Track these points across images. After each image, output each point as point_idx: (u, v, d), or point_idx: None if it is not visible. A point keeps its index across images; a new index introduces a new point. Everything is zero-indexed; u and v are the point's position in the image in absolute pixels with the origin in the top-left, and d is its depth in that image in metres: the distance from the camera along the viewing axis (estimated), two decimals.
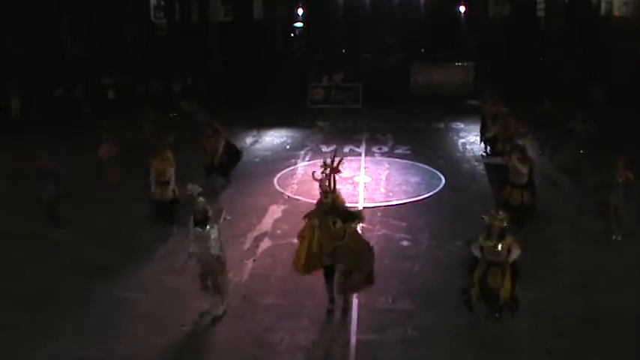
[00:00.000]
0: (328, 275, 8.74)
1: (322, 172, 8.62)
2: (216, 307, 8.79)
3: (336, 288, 8.73)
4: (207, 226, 8.44)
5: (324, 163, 8.67)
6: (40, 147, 13.33)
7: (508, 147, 13.32)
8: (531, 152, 16.15)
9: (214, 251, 8.47)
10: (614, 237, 11.15)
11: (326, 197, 8.49)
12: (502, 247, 8.19)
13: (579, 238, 11.34)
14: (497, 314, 8.50)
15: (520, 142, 12.63)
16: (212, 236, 8.44)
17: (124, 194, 13.36)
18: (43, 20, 24.34)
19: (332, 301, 8.86)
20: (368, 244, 8.88)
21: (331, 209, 8.46)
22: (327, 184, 8.57)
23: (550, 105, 16.93)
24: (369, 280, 8.67)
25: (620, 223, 11.17)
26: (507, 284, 8.29)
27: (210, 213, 8.53)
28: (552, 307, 8.93)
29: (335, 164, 8.64)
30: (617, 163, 11.04)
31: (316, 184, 8.71)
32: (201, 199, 8.60)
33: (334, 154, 9.02)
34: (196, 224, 8.48)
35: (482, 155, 16.25)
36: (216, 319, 8.70)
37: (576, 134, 15.34)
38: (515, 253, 8.26)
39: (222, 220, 8.90)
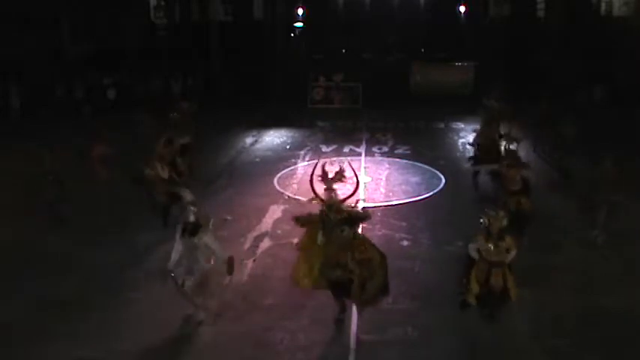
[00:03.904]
0: (337, 290, 8.36)
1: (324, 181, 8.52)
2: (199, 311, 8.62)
3: (354, 301, 8.39)
4: (198, 236, 8.18)
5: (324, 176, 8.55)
6: (40, 147, 13.34)
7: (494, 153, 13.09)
8: (525, 153, 16.25)
9: (202, 261, 8.25)
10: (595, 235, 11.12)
11: (329, 210, 8.00)
12: (501, 247, 8.17)
13: (579, 238, 11.33)
14: (498, 313, 8.49)
15: (512, 147, 12.50)
16: (202, 245, 8.21)
17: (124, 194, 13.34)
18: (43, 20, 24.35)
19: (343, 310, 8.57)
20: (381, 253, 8.46)
21: (338, 220, 8.02)
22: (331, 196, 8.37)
23: (549, 105, 16.94)
24: (384, 290, 8.40)
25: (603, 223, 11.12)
26: (513, 286, 8.24)
27: (200, 222, 8.28)
28: (552, 307, 8.93)
29: (337, 173, 8.57)
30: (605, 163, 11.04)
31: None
32: (191, 207, 8.38)
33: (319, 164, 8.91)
34: (184, 234, 8.22)
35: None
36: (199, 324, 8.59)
37: (564, 136, 15.43)
38: (512, 254, 8.24)
39: (210, 227, 8.52)
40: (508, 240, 8.22)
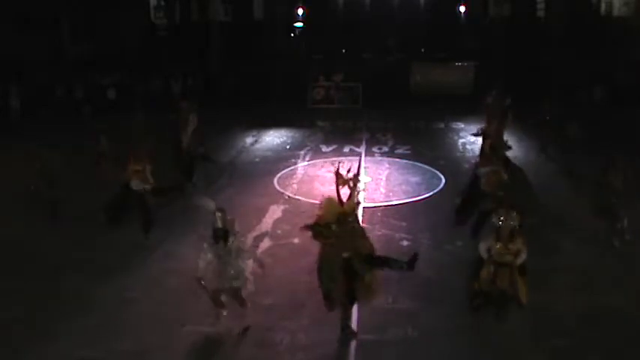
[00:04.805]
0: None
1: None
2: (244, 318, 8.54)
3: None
4: (229, 242, 8.15)
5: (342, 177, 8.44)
6: (39, 147, 13.35)
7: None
8: (529, 153, 16.26)
9: (235, 269, 8.17)
10: (616, 243, 11.01)
11: (352, 212, 8.12)
12: (511, 249, 8.14)
13: (579, 238, 11.33)
14: (505, 315, 8.48)
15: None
16: (233, 251, 8.17)
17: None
18: (44, 20, 24.37)
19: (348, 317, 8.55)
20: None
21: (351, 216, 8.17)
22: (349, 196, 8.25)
23: (550, 105, 16.94)
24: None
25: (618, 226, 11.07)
26: (523, 287, 8.20)
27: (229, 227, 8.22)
28: (552, 307, 8.93)
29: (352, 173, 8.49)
30: (613, 164, 11.01)
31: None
32: (219, 214, 8.25)
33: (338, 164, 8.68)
34: (217, 241, 8.15)
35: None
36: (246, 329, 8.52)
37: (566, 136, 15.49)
38: (522, 257, 8.19)
39: (237, 229, 8.44)
40: (518, 242, 8.18)
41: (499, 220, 8.21)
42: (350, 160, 9.10)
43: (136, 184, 11.40)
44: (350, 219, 8.05)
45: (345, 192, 8.21)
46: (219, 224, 8.17)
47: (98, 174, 13.77)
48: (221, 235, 8.15)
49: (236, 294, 8.40)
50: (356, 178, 8.31)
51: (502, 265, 8.19)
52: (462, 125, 20.78)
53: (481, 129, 15.21)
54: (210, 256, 8.15)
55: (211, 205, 8.46)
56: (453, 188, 14.37)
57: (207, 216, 8.49)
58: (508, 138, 13.25)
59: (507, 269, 8.18)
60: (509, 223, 8.15)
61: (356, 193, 8.35)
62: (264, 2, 30.35)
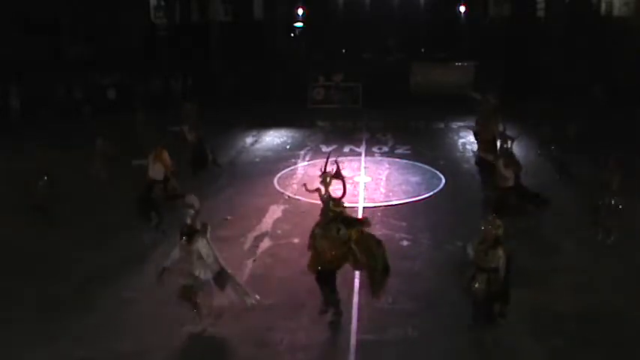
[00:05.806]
0: (323, 280, 8.51)
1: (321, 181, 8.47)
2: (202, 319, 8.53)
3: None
4: (194, 242, 8.05)
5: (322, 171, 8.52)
6: (39, 147, 13.36)
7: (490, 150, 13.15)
8: (528, 153, 16.25)
9: (197, 272, 8.14)
10: (609, 240, 11.07)
11: (329, 205, 8.22)
12: (491, 255, 8.06)
13: (579, 238, 11.33)
14: (482, 320, 8.41)
15: (507, 146, 12.53)
16: (196, 253, 8.07)
17: (122, 194, 13.34)
18: (44, 20, 24.37)
19: (327, 304, 8.62)
20: (377, 241, 8.52)
21: (335, 216, 8.20)
22: (325, 191, 8.35)
23: (551, 106, 16.96)
24: (386, 273, 8.44)
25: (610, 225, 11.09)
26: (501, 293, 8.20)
27: (197, 227, 8.15)
28: (552, 307, 8.93)
29: (332, 170, 8.51)
30: (610, 165, 11.02)
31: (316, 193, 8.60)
32: (190, 211, 8.23)
33: (327, 159, 8.78)
34: (180, 237, 8.16)
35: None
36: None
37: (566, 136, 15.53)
38: (500, 266, 8.07)
39: (208, 235, 8.33)
40: (500, 249, 8.08)
41: (484, 225, 8.18)
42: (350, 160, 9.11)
43: (155, 173, 11.56)
44: (325, 221, 8.17)
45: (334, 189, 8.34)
46: (188, 221, 8.15)
47: (90, 173, 13.81)
48: (184, 232, 8.12)
49: (194, 294, 8.33)
50: (326, 174, 8.38)
51: (481, 270, 8.15)
52: (462, 125, 20.76)
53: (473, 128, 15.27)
54: (177, 252, 8.19)
55: (191, 200, 8.39)
56: (453, 188, 14.40)
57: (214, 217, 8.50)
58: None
59: (486, 275, 8.11)
60: (493, 230, 8.10)
61: (328, 188, 8.38)
62: (264, 2, 30.34)
